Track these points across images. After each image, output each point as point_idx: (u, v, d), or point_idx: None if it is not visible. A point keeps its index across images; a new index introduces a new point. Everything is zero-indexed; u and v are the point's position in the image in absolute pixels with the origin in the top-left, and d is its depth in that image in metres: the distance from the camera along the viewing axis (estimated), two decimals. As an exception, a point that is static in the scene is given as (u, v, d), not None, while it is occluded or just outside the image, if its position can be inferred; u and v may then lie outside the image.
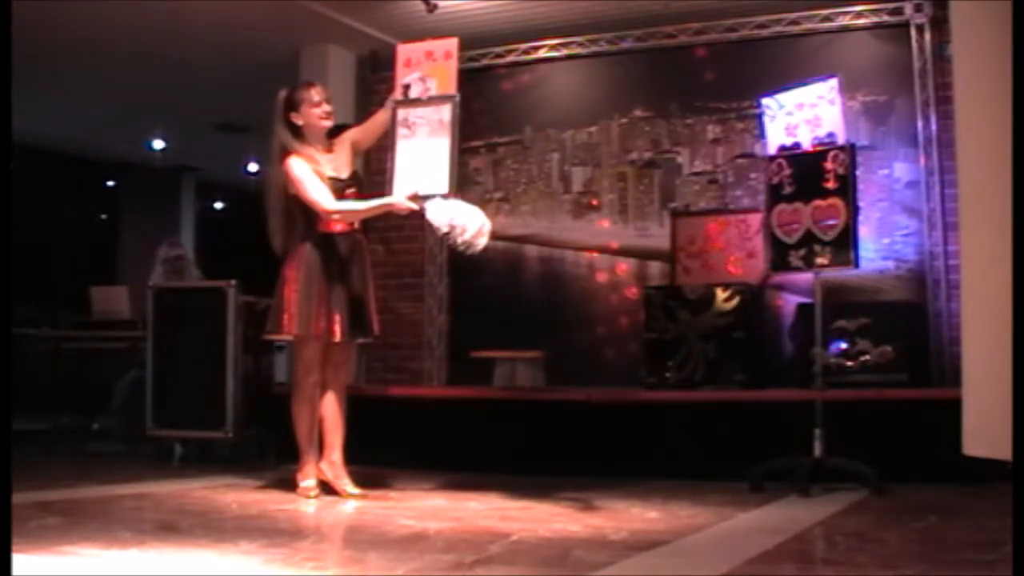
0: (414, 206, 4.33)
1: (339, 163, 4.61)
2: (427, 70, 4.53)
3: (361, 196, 4.60)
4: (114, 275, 10.82)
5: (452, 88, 4.48)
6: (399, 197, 4.35)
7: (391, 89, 4.65)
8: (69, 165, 10.93)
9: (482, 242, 4.27)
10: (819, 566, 3.13)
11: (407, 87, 4.55)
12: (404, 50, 4.65)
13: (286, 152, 4.49)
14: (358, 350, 6.09)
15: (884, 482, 4.51)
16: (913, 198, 5.96)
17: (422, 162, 4.40)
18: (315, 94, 4.57)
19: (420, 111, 4.49)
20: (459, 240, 4.23)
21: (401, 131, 4.49)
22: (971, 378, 2.88)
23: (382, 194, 4.46)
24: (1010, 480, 2.36)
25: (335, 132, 4.69)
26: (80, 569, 2.77)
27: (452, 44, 4.56)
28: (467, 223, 4.23)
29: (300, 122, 4.54)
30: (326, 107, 4.58)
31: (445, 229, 4.24)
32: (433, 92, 4.50)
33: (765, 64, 6.20)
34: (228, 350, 5.74)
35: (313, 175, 4.44)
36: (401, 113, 4.52)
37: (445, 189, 4.33)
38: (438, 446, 5.70)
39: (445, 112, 4.43)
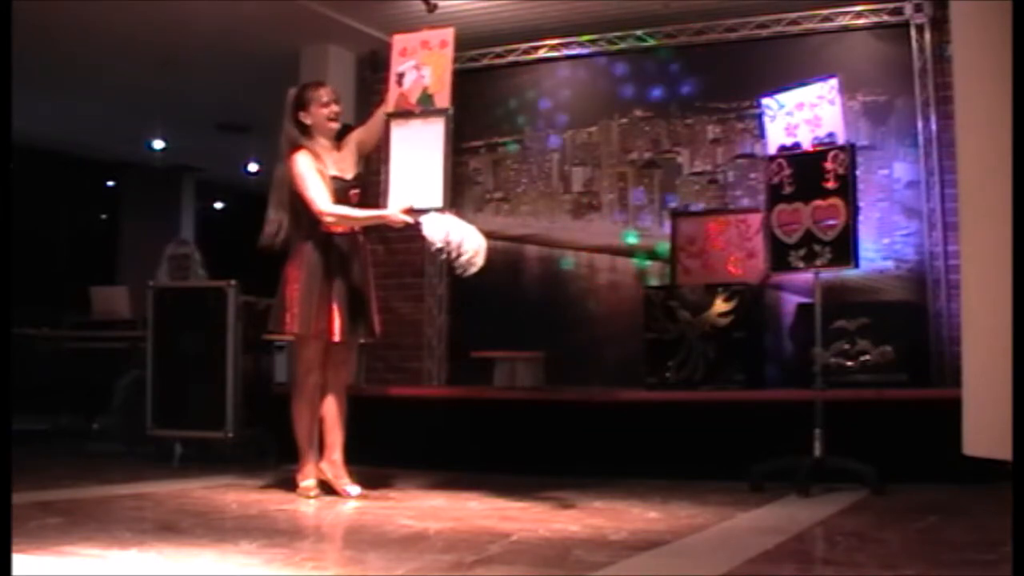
0: (409, 219, 4.34)
1: (345, 164, 4.62)
2: (422, 58, 4.53)
3: (364, 197, 4.62)
4: (114, 275, 10.83)
5: (447, 76, 4.47)
6: (394, 210, 4.36)
7: (387, 81, 4.65)
8: (69, 165, 10.93)
9: (479, 262, 4.25)
10: (819, 566, 3.13)
11: (401, 75, 4.55)
12: (399, 40, 4.65)
13: (294, 147, 4.50)
14: (358, 350, 6.10)
15: (884, 482, 4.51)
16: (913, 198, 5.96)
17: (416, 176, 4.40)
18: (324, 95, 4.59)
19: (413, 123, 4.48)
20: (456, 262, 4.22)
21: (394, 144, 4.49)
22: (971, 378, 2.88)
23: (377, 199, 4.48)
24: (1010, 480, 2.36)
25: (341, 134, 4.70)
26: (80, 569, 2.77)
27: (448, 33, 4.56)
28: (463, 242, 4.22)
29: (308, 121, 4.57)
30: (334, 108, 4.60)
31: (440, 244, 4.23)
32: (427, 80, 4.48)
33: (765, 64, 6.20)
34: (228, 350, 5.74)
35: (315, 174, 4.45)
36: (394, 126, 4.52)
37: (439, 203, 4.33)
38: (438, 446, 5.70)
39: (438, 126, 4.43)
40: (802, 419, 4.67)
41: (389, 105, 4.57)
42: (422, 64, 4.51)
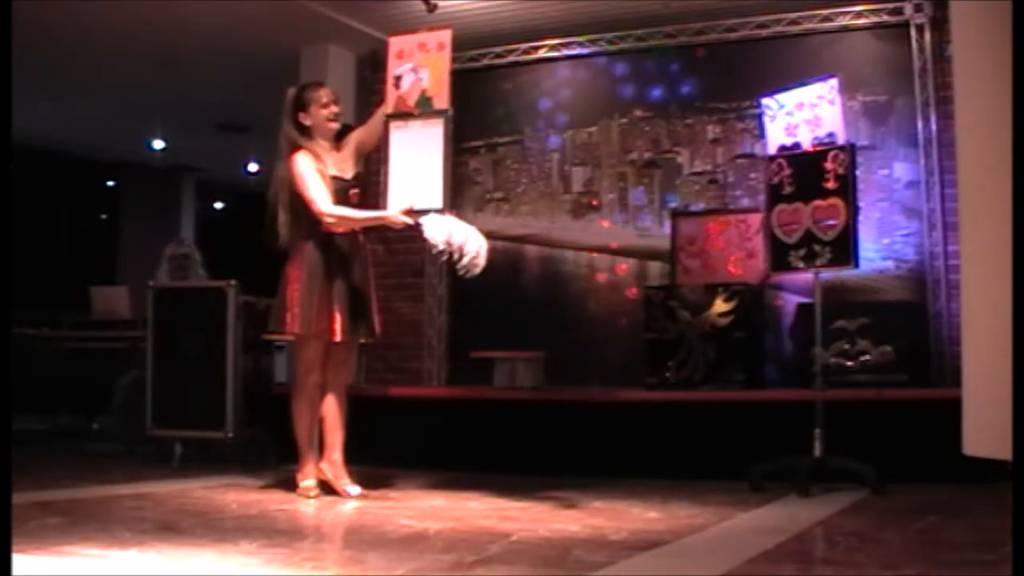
0: (409, 220, 4.34)
1: (345, 164, 4.62)
2: (420, 61, 4.52)
3: (364, 197, 4.62)
4: (114, 275, 10.84)
5: (445, 78, 4.47)
6: (394, 211, 4.36)
7: (384, 82, 4.65)
8: (69, 165, 10.94)
9: (482, 263, 4.25)
10: (819, 566, 3.13)
11: (398, 78, 4.54)
12: (396, 42, 4.64)
13: (294, 148, 4.50)
14: (358, 350, 6.10)
15: (884, 482, 4.51)
16: (913, 198, 5.96)
17: (416, 177, 4.40)
18: (324, 95, 4.59)
19: (413, 125, 4.48)
20: (458, 264, 4.22)
21: (394, 147, 4.49)
22: (971, 378, 2.88)
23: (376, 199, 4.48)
24: (1010, 480, 2.36)
25: (341, 134, 4.70)
26: (80, 569, 2.77)
27: (445, 35, 4.55)
28: (465, 243, 4.22)
29: (308, 122, 4.56)
30: (334, 108, 4.60)
31: (442, 246, 4.23)
32: (426, 83, 4.48)
33: (765, 64, 6.20)
34: (228, 350, 5.74)
35: (316, 174, 4.45)
36: (393, 128, 4.52)
37: (439, 204, 4.33)
38: (438, 446, 5.70)
39: (437, 127, 4.43)
40: (802, 419, 4.67)
41: (387, 108, 4.57)
42: (420, 66, 4.51)
